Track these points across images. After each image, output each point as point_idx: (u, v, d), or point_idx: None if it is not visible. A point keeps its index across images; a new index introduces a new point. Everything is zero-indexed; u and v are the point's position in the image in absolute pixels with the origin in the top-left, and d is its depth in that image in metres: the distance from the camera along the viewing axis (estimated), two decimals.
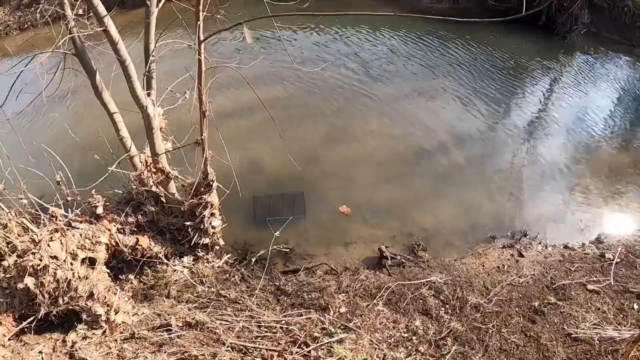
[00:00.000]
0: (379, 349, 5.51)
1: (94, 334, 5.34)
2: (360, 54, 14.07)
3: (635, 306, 7.39)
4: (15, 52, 12.02)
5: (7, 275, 5.19)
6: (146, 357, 5.09)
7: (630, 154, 13.88)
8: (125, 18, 13.19)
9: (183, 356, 5.18)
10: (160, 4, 5.17)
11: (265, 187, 8.73)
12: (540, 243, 8.62)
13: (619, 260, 8.45)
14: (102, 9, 4.81)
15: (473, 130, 11.56)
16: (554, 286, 7.44)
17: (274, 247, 7.51)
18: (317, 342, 5.45)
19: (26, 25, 16.08)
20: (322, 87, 11.82)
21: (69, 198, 5.94)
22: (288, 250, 7.69)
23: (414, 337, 5.96)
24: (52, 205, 5.65)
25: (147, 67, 5.36)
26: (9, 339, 5.18)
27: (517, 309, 6.78)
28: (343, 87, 12.05)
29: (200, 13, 4.45)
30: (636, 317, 7.10)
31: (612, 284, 7.76)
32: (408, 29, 16.43)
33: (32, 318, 5.17)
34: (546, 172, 10.84)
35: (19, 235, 5.31)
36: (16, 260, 4.95)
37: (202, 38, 4.56)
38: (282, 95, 11.45)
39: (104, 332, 5.40)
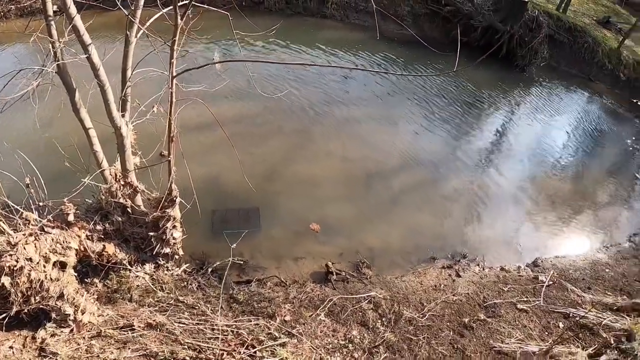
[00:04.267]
0: (317, 353, 6.18)
1: (62, 331, 5.81)
2: (326, 76, 14.64)
3: (561, 324, 8.23)
4: None
5: None
6: (112, 352, 5.63)
7: (577, 184, 14.90)
8: (100, 20, 13.53)
9: (145, 352, 5.74)
10: (139, 34, 5.73)
11: (224, 200, 9.28)
12: (478, 265, 9.43)
13: (551, 282, 9.34)
14: (87, 38, 5.33)
15: (427, 155, 12.37)
16: (485, 304, 8.22)
17: (230, 258, 7.96)
18: (263, 345, 6.07)
19: None
20: (288, 107, 12.44)
21: (41, 204, 6.37)
22: (242, 262, 8.24)
23: (350, 345, 6.63)
24: (21, 208, 6.02)
25: (123, 92, 5.91)
26: None
27: (448, 323, 7.53)
28: (307, 109, 12.68)
29: (175, 52, 5.04)
30: (560, 334, 7.92)
31: (542, 304, 8.62)
32: (375, 52, 17.25)
33: (3, 315, 5.61)
34: (493, 198, 11.73)
35: None
36: None
37: (174, 74, 5.16)
38: (249, 112, 11.94)
39: (72, 330, 5.88)
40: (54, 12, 5.31)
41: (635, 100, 27.43)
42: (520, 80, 20.02)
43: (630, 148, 21.41)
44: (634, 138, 22.56)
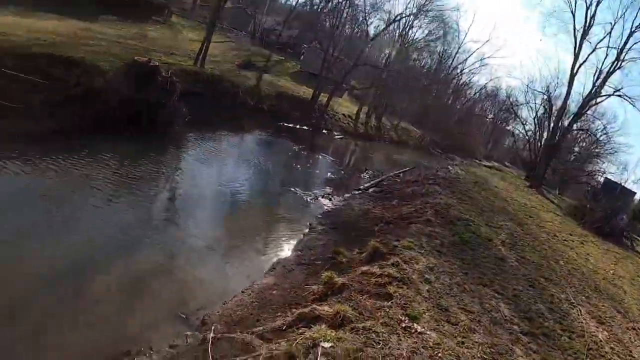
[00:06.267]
0: None
1: None
2: None
3: None
4: None
5: None
6: None
7: (248, 216, 15.92)
8: None
9: None
10: None
11: None
12: (145, 355, 8.61)
13: (219, 336, 9.07)
14: None
15: (78, 257, 10.96)
16: None
17: None
18: None
19: None
20: None
21: None
22: None
23: None
24: None
25: None
26: None
27: None
28: None
29: None
30: None
31: None
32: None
33: None
34: (147, 277, 11.13)
35: None
36: None
37: None
38: None
39: None
40: None
41: (281, 124, 31.88)
42: (170, 142, 20.58)
43: (286, 166, 24.45)
44: (287, 156, 25.82)
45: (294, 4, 62.00)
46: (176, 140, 21.07)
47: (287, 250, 14.46)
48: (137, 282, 10.89)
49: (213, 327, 9.41)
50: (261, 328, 9.69)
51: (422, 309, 9.82)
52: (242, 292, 11.35)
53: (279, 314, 10.39)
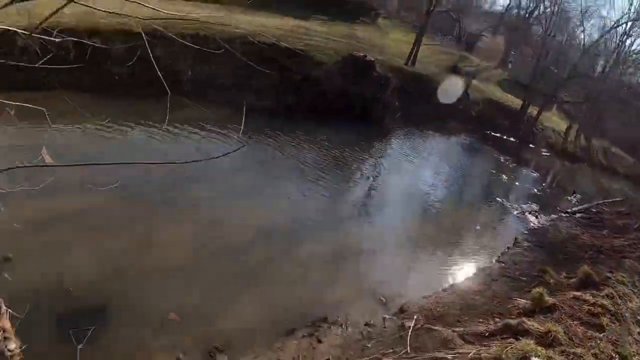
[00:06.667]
0: None
1: None
2: (169, 155, 13.45)
3: None
4: None
5: None
6: None
7: (444, 219, 15.52)
8: None
9: None
10: None
11: (70, 300, 7.79)
12: (340, 326, 8.96)
13: (419, 326, 9.09)
14: None
15: (288, 221, 12.11)
16: None
17: None
18: None
19: None
20: (134, 195, 10.88)
21: None
22: None
23: None
24: None
25: None
26: None
27: None
28: (153, 195, 11.32)
29: None
30: None
31: (409, 351, 8.35)
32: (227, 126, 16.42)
33: None
34: (358, 250, 11.73)
35: None
36: None
37: None
38: (89, 206, 10.07)
39: None
40: None
41: (487, 132, 30.29)
42: (379, 134, 21.16)
43: (490, 175, 23.15)
44: (491, 165, 24.48)
45: (501, 9, 58.43)
46: (385, 133, 21.69)
47: (489, 259, 13.79)
48: (341, 256, 11.35)
49: (415, 317, 9.36)
50: (462, 329, 9.42)
51: (633, 351, 8.95)
52: (443, 290, 11.24)
53: (480, 320, 10.07)
